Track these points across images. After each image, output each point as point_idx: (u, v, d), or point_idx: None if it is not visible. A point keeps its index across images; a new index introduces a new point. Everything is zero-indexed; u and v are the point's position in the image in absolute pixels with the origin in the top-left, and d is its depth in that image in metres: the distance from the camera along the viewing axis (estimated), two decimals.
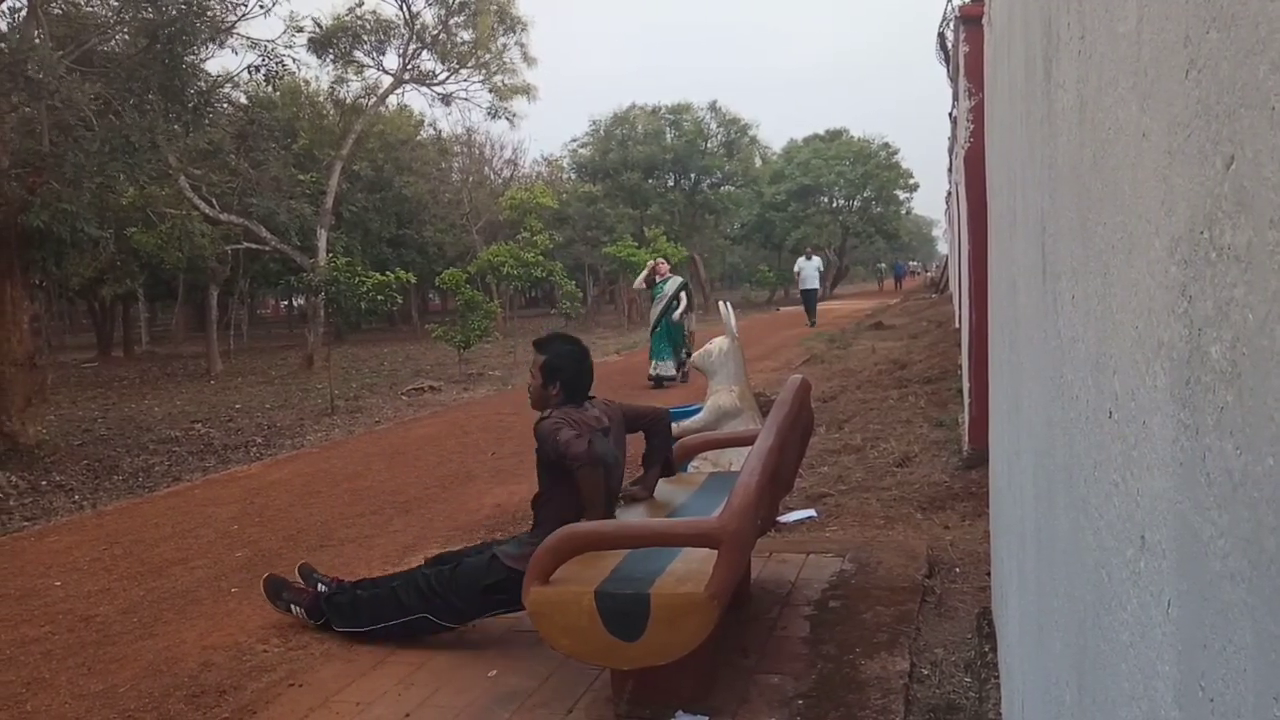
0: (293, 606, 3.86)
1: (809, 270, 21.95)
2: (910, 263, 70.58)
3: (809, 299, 21.74)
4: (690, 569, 2.88)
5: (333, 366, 13.26)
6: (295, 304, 35.44)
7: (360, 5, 19.00)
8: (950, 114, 10.36)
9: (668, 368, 11.31)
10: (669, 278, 11.72)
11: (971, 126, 5.28)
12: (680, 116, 33.81)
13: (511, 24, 21.21)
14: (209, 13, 9.35)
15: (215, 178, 14.44)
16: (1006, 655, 2.60)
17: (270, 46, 11.13)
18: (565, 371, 3.58)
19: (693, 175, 34.21)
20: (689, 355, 11.28)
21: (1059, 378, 1.37)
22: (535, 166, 34.28)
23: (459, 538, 5.16)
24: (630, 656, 2.78)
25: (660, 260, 12.15)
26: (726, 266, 45.39)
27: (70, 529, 5.91)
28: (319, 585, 3.90)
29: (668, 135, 33.45)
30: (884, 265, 56.26)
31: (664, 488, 3.89)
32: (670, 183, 34.03)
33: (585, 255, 31.42)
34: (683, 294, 11.44)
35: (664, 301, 11.41)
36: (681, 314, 11.32)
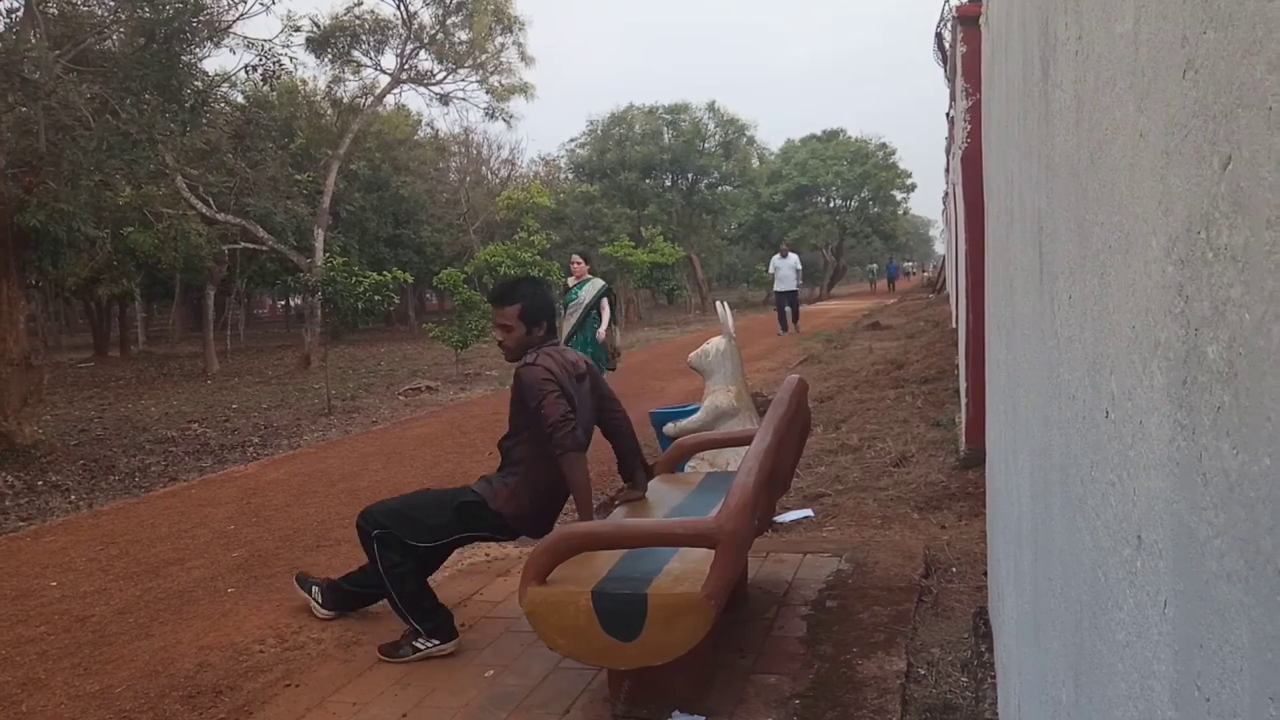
0: (417, 643, 3.52)
1: (785, 269, 19.36)
2: (905, 263, 70.34)
3: (785, 302, 19.22)
4: (687, 569, 2.88)
5: (329, 366, 13.24)
6: (292, 304, 35.40)
7: (359, 5, 19.01)
8: (948, 114, 10.38)
9: None
10: (587, 279, 9.15)
11: (969, 126, 5.29)
12: (678, 116, 33.85)
13: (509, 24, 21.21)
14: (205, 11, 9.34)
15: (212, 177, 14.43)
16: (1003, 655, 2.60)
17: (268, 46, 11.15)
18: (544, 309, 3.63)
19: (690, 175, 34.25)
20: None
21: (1056, 378, 1.37)
22: (532, 166, 34.36)
23: None
24: (627, 657, 2.78)
25: (576, 259, 9.50)
26: (724, 266, 45.43)
27: (66, 529, 5.90)
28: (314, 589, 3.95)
29: (665, 135, 33.48)
30: (875, 266, 53.36)
31: (660, 487, 3.89)
32: (668, 183, 34.06)
33: None
34: (604, 302, 8.93)
35: (580, 310, 8.89)
36: (606, 328, 8.84)
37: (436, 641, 3.46)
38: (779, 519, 4.84)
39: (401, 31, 19.70)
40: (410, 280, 17.31)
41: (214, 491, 6.80)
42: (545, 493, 3.51)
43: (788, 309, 19.11)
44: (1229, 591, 0.61)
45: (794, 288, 19.38)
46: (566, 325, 8.81)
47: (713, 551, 2.74)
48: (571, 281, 9.14)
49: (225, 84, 12.46)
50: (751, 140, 36.54)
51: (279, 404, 11.78)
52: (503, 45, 21.53)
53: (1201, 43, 0.65)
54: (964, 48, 5.43)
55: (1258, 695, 0.56)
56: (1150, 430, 0.81)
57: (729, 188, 35.55)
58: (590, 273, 9.34)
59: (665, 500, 3.71)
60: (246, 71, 11.52)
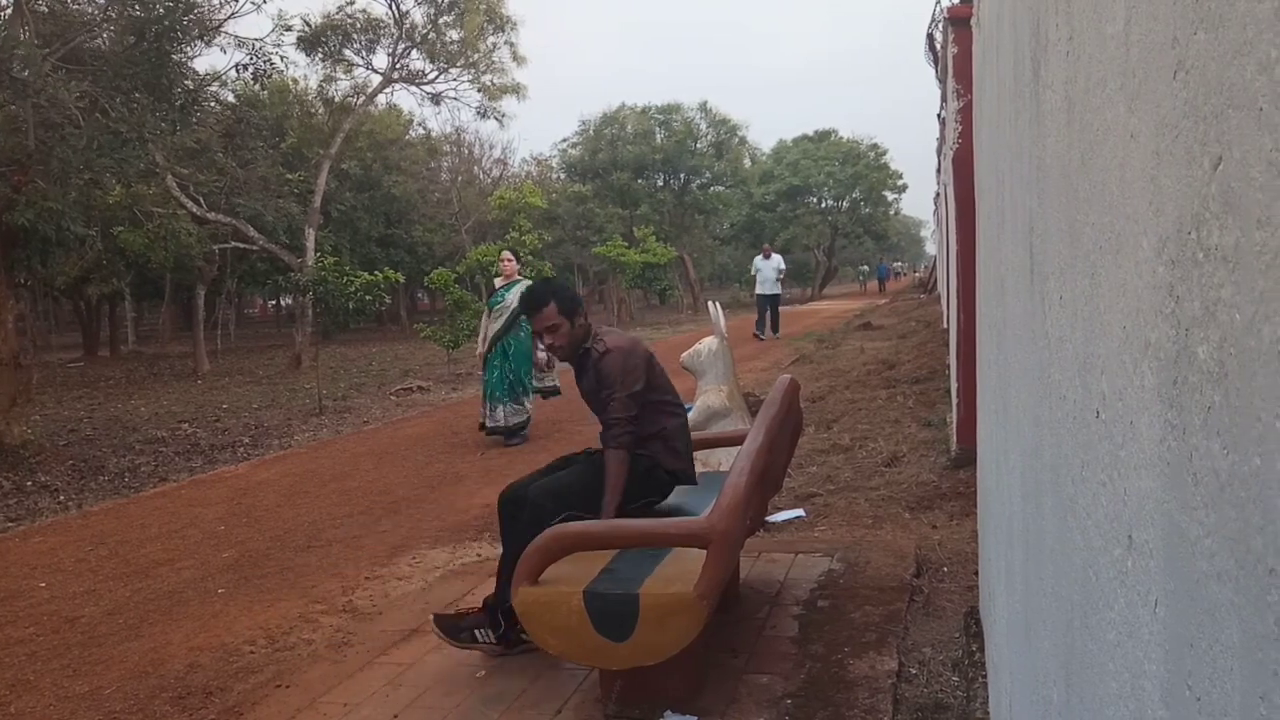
0: (477, 632, 3.39)
1: (767, 271, 18.04)
2: (895, 264, 70.25)
3: (767, 305, 17.91)
4: (679, 569, 2.87)
5: (320, 366, 13.21)
6: (283, 304, 35.31)
7: (350, 4, 18.96)
8: (939, 115, 10.40)
9: (507, 414, 7.85)
10: (516, 280, 7.84)
11: (960, 127, 5.30)
12: (670, 117, 33.86)
13: (500, 23, 21.18)
14: (196, 10, 9.30)
15: (203, 177, 14.38)
16: (994, 654, 2.61)
17: (258, 45, 11.12)
18: (576, 298, 3.56)
19: (682, 175, 34.28)
20: (539, 393, 8.07)
21: (1046, 378, 1.38)
22: (524, 166, 34.40)
23: (448, 538, 5.15)
24: (619, 657, 2.77)
25: (506, 256, 8.12)
26: (715, 267, 45.46)
27: (55, 530, 5.87)
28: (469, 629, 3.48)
29: (657, 135, 33.49)
30: (866, 267, 52.80)
31: None
32: (660, 183, 34.08)
33: (575, 255, 31.45)
34: None
35: (506, 314, 7.68)
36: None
37: (494, 641, 3.36)
38: (771, 519, 4.84)
39: (393, 31, 19.66)
40: (402, 280, 17.25)
41: (204, 492, 6.78)
42: (682, 433, 3.60)
43: (768, 313, 17.94)
44: (1219, 591, 0.61)
45: (776, 291, 18.19)
46: (491, 329, 7.83)
47: (705, 551, 2.74)
48: (499, 282, 8.02)
49: (216, 83, 12.44)
50: (743, 140, 36.60)
51: (270, 404, 11.74)
52: (495, 45, 21.51)
53: (1192, 44, 0.65)
54: (955, 49, 5.44)
55: (1248, 694, 0.56)
56: (1141, 430, 0.81)
57: (721, 188, 35.59)
58: (521, 273, 8.32)
59: None
60: (237, 70, 11.51)
